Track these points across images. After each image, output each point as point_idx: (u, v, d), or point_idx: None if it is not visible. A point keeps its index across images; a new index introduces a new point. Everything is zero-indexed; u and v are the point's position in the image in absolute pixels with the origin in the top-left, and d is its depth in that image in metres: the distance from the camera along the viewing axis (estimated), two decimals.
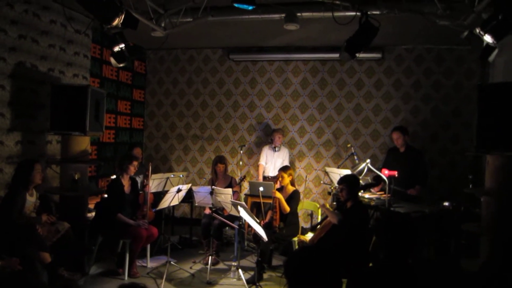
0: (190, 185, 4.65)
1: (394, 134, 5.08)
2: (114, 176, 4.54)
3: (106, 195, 4.43)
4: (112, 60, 4.15)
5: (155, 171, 6.01)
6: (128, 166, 4.32)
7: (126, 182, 4.39)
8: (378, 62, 6.19)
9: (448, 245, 4.04)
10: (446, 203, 4.41)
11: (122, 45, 4.07)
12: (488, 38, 3.31)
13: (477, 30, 3.34)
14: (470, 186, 4.55)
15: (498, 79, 5.37)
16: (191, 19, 4.46)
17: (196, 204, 4.61)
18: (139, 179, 5.00)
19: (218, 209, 4.77)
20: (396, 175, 4.42)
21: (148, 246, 4.51)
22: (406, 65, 6.13)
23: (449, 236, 4.07)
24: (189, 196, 4.87)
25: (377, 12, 3.80)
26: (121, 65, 4.22)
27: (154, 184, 4.78)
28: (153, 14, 4.29)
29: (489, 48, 3.65)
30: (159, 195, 4.82)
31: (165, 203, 4.28)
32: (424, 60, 6.05)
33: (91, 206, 4.73)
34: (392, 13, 3.82)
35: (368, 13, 3.37)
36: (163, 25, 4.43)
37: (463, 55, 5.91)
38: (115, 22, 3.12)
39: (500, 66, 5.38)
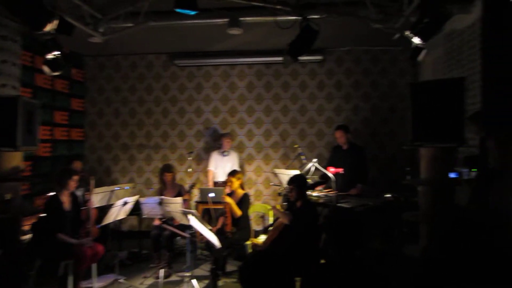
0: (137, 196, 4.52)
1: (336, 133, 5.23)
2: (52, 193, 4.27)
3: (43, 214, 4.15)
4: (45, 68, 3.91)
5: (99, 184, 5.72)
6: (67, 181, 4.08)
7: (66, 198, 4.15)
8: (319, 64, 6.37)
9: (392, 234, 4.21)
10: (388, 195, 4.59)
11: (57, 52, 3.86)
12: (416, 40, 3.54)
13: (407, 32, 3.55)
14: (408, 177, 4.70)
15: (427, 77, 5.77)
16: (131, 24, 4.34)
17: (145, 216, 4.48)
18: (79, 192, 4.77)
19: (168, 219, 4.67)
20: (342, 172, 4.55)
21: (94, 265, 4.27)
22: (346, 66, 6.37)
23: (392, 225, 4.22)
24: (136, 208, 4.72)
25: (317, 16, 3.93)
26: (56, 73, 4.00)
27: (97, 198, 4.56)
28: (90, 19, 4.13)
29: (418, 48, 3.90)
30: (104, 210, 4.61)
31: (110, 217, 4.11)
32: (362, 61, 6.33)
33: (27, 227, 4.38)
34: (330, 17, 3.96)
35: (308, 17, 3.48)
36: (101, 30, 4.27)
37: (396, 56, 6.25)
38: (47, 28, 2.96)
39: (428, 64, 5.77)
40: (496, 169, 2.93)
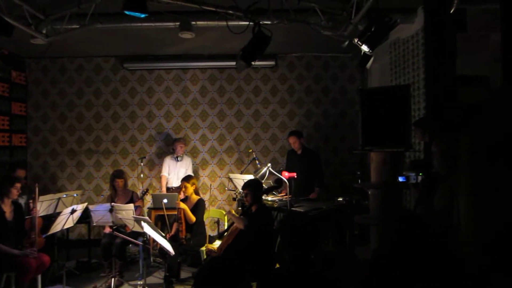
0: (86, 204, 4.37)
1: (290, 138, 5.30)
2: None
3: None
4: None
5: (44, 191, 5.43)
6: (9, 189, 3.90)
7: (7, 207, 3.94)
8: (272, 69, 6.43)
9: (344, 236, 4.29)
10: (340, 199, 4.71)
11: None
12: (364, 47, 3.67)
13: (356, 40, 3.67)
14: (359, 181, 4.88)
15: (375, 84, 6.02)
16: (77, 26, 4.14)
17: (94, 224, 4.32)
18: (22, 200, 4.54)
19: (120, 227, 4.53)
20: (296, 176, 4.60)
21: (39, 276, 4.03)
22: (298, 72, 6.47)
23: (344, 228, 4.31)
24: (85, 216, 4.59)
25: (268, 22, 3.96)
26: None
27: (42, 207, 4.33)
28: (32, 19, 3.88)
29: (366, 56, 4.04)
30: (50, 218, 4.38)
31: (57, 226, 3.93)
32: (313, 67, 6.46)
33: None
34: (281, 23, 4.01)
35: (260, 23, 3.50)
36: (44, 31, 4.04)
37: (346, 62, 6.45)
38: None
39: (376, 71, 6.02)
40: (440, 173, 3.05)
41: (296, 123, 6.42)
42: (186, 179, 4.72)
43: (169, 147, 6.32)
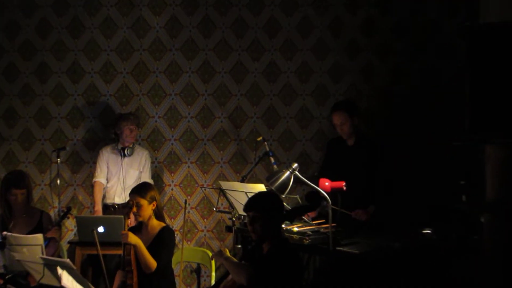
0: None
1: (335, 116, 5.27)
2: None
3: None
4: None
5: None
6: None
7: None
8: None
9: None
10: (427, 230, 4.67)
11: None
12: None
13: None
14: (463, 197, 4.83)
15: (494, 16, 5.76)
16: None
17: None
18: None
19: (17, 275, 4.51)
20: (344, 188, 4.58)
21: None
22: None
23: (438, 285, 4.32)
24: None
25: None
26: None
27: None
28: None
29: None
30: None
31: None
32: None
33: None
34: None
35: None
36: None
37: None
38: None
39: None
40: None
41: (345, 89, 6.38)
42: (140, 190, 4.68)
43: (108, 130, 6.41)
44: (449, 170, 5.99)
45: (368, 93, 6.36)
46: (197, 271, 5.15)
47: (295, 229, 4.67)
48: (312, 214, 5.07)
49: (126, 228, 4.56)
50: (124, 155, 5.92)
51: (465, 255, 4.25)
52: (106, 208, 5.90)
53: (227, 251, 3.99)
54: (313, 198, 4.60)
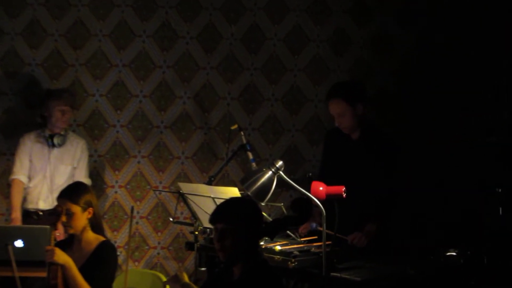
0: None
1: (331, 104, 5.25)
2: None
3: None
4: None
5: None
6: None
7: None
8: None
9: None
10: (451, 252, 4.66)
11: None
12: None
13: None
14: (501, 210, 5.00)
15: None
16: None
17: None
18: None
19: None
20: (343, 194, 4.39)
21: None
22: None
23: None
24: None
25: None
26: None
27: None
28: None
29: None
30: None
31: None
32: None
33: None
34: None
35: None
36: None
37: None
38: None
39: None
40: None
41: (351, 64, 6.41)
42: (72, 193, 4.62)
43: (33, 111, 6.41)
44: (481, 175, 6.03)
45: (381, 70, 6.38)
46: None
47: (278, 247, 4.62)
48: (303, 229, 5.01)
49: (53, 242, 4.41)
50: (53, 145, 5.87)
51: (500, 284, 4.29)
52: (27, 215, 5.81)
53: (185, 276, 3.97)
54: (303, 207, 4.58)
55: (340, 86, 5.44)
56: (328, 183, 4.44)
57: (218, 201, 4.28)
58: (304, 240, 4.89)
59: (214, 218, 3.69)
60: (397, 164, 5.22)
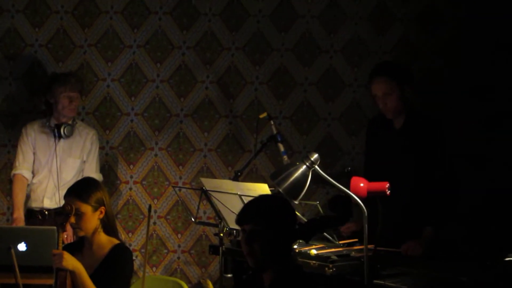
0: None
1: (376, 84, 5.26)
2: None
3: None
4: None
5: None
6: None
7: None
8: None
9: None
10: (511, 258, 4.65)
11: None
12: None
13: None
14: None
15: None
16: None
17: None
18: None
19: None
20: (387, 191, 4.44)
21: None
22: None
23: None
24: None
25: None
26: None
27: None
28: None
29: None
30: None
31: None
32: None
33: None
34: None
35: None
36: None
37: None
38: None
39: None
40: None
41: (394, 43, 6.41)
42: (81, 191, 4.62)
43: (37, 98, 6.46)
44: None
45: (429, 49, 6.36)
46: None
47: (313, 251, 4.64)
48: (349, 226, 5.07)
49: (61, 246, 4.39)
50: (60, 136, 5.86)
51: None
52: (31, 215, 5.85)
53: (210, 284, 4.00)
54: (341, 206, 4.45)
55: (386, 63, 5.53)
56: (371, 179, 4.45)
57: (246, 199, 4.27)
58: (343, 243, 4.89)
59: (241, 218, 3.69)
60: (449, 155, 5.22)
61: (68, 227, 4.68)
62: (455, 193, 5.13)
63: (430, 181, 5.07)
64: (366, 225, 4.26)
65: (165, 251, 6.50)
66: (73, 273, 4.38)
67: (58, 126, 5.85)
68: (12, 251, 4.57)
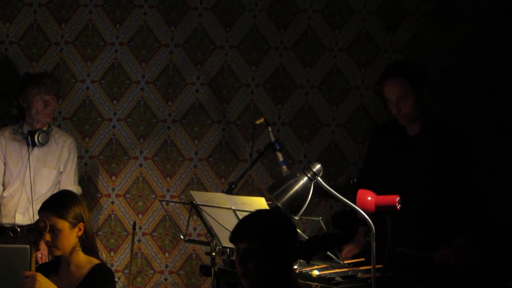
0: None
1: (389, 85, 5.26)
2: None
3: None
4: None
5: None
6: None
7: None
8: None
9: None
10: None
11: None
12: None
13: None
14: None
15: None
16: None
17: None
18: None
19: None
20: (398, 205, 4.44)
21: None
22: None
23: None
24: None
25: None
26: None
27: None
28: None
29: None
30: None
31: None
32: None
33: None
34: None
35: None
36: None
37: None
38: None
39: None
40: None
41: (406, 40, 6.41)
42: (57, 206, 4.62)
43: (8, 101, 6.43)
44: None
45: (444, 47, 6.37)
46: None
47: (315, 272, 4.64)
48: (349, 250, 5.07)
49: (34, 266, 4.35)
50: (33, 144, 5.87)
51: None
52: (1, 232, 5.88)
53: None
54: (347, 222, 4.58)
55: (401, 63, 5.49)
56: (377, 191, 4.43)
57: (241, 214, 4.29)
58: (348, 263, 4.87)
59: (235, 235, 3.66)
60: (474, 161, 5.22)
61: (43, 246, 4.67)
62: (485, 203, 5.11)
63: (457, 191, 5.04)
64: (374, 243, 4.26)
65: (151, 271, 6.50)
66: None
67: (31, 133, 5.83)
68: None
